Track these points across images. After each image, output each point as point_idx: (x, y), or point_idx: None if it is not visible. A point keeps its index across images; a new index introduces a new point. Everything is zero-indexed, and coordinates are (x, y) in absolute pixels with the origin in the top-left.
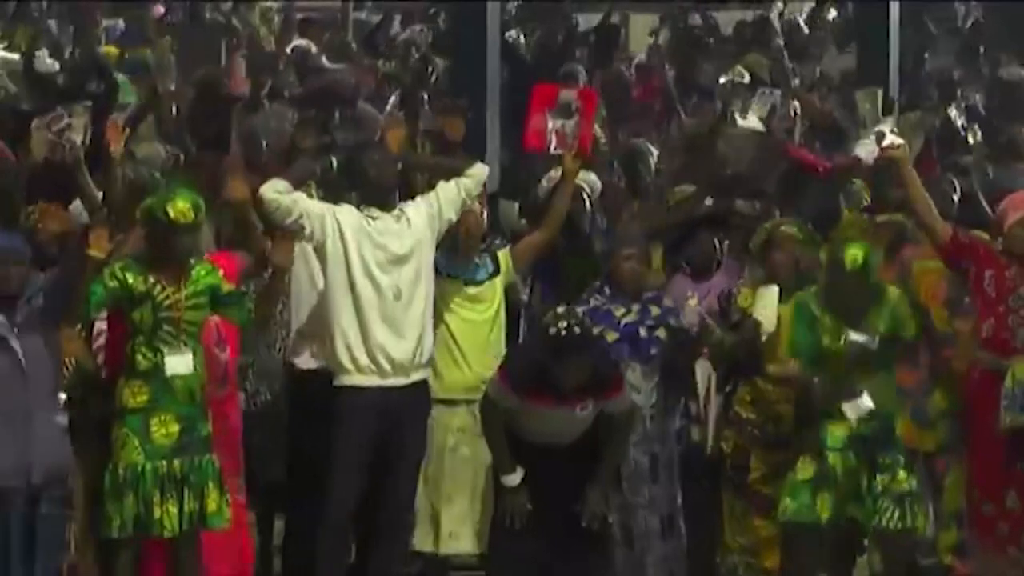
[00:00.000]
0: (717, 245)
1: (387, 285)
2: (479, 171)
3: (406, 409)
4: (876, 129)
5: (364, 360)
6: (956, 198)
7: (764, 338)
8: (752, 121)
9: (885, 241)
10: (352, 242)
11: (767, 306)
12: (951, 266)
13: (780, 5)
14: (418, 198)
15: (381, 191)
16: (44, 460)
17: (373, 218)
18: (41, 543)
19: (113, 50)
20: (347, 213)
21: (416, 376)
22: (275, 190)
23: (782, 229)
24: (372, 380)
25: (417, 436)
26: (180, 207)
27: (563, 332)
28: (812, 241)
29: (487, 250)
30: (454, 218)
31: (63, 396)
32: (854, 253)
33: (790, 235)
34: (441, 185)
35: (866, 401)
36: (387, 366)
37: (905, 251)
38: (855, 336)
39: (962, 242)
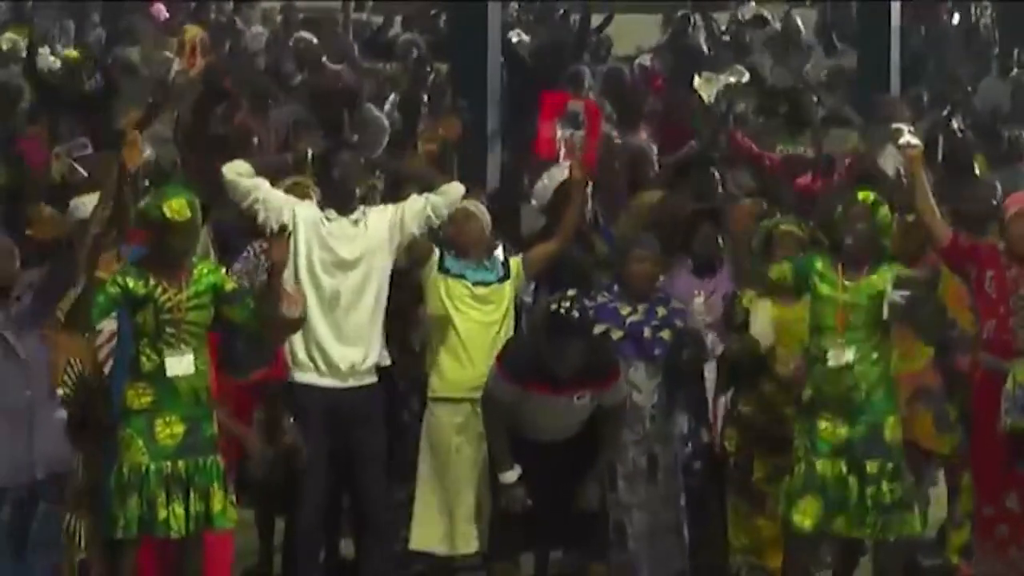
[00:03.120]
0: (720, 241)
1: (328, 288)
2: (453, 190)
3: (353, 410)
4: (894, 126)
5: (303, 357)
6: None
7: (764, 351)
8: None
9: (918, 239)
10: (303, 241)
11: (762, 321)
12: (953, 269)
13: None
14: (388, 205)
15: (341, 193)
16: (45, 456)
17: (329, 219)
18: (39, 541)
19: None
20: (307, 210)
21: (354, 382)
22: (236, 171)
23: (781, 227)
24: (311, 378)
25: (373, 436)
26: (175, 206)
27: (561, 311)
28: (813, 239)
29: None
30: (416, 232)
31: (60, 392)
32: (864, 194)
33: (790, 232)
34: (412, 197)
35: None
36: (324, 367)
37: (933, 255)
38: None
39: (962, 246)
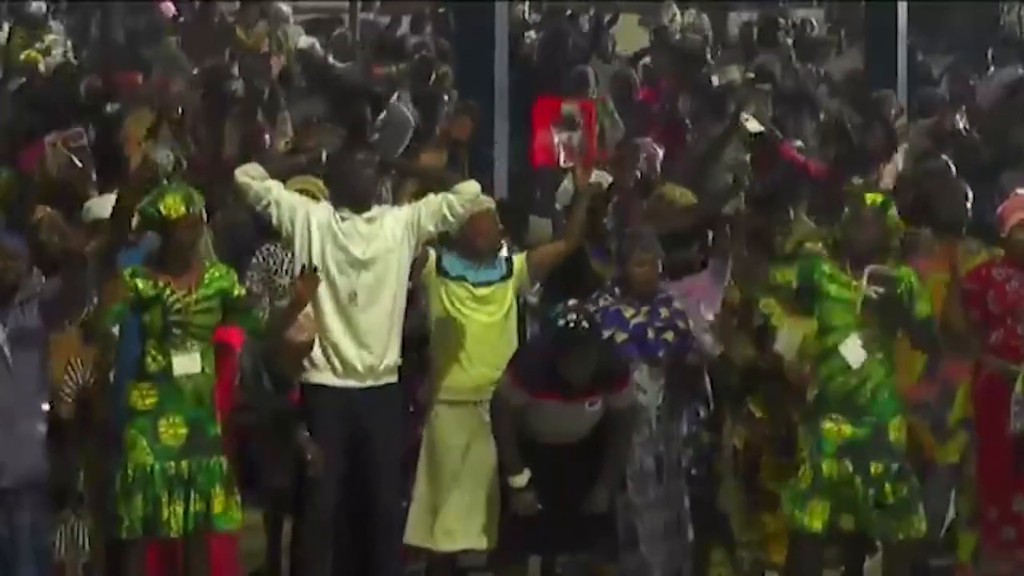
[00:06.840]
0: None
1: (343, 287)
2: (469, 188)
3: (369, 411)
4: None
5: (320, 358)
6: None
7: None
8: (752, 123)
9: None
10: (316, 241)
11: (789, 340)
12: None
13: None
14: (404, 205)
15: (353, 193)
16: (19, 465)
17: (343, 218)
18: (28, 550)
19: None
20: (320, 210)
21: (372, 382)
22: (248, 175)
23: (808, 246)
24: (326, 378)
25: (389, 436)
26: (169, 202)
27: (571, 324)
28: (838, 256)
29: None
30: (432, 231)
31: (45, 406)
32: (873, 196)
33: (815, 252)
34: (429, 197)
35: None
36: (340, 367)
37: (919, 264)
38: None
39: (975, 307)
